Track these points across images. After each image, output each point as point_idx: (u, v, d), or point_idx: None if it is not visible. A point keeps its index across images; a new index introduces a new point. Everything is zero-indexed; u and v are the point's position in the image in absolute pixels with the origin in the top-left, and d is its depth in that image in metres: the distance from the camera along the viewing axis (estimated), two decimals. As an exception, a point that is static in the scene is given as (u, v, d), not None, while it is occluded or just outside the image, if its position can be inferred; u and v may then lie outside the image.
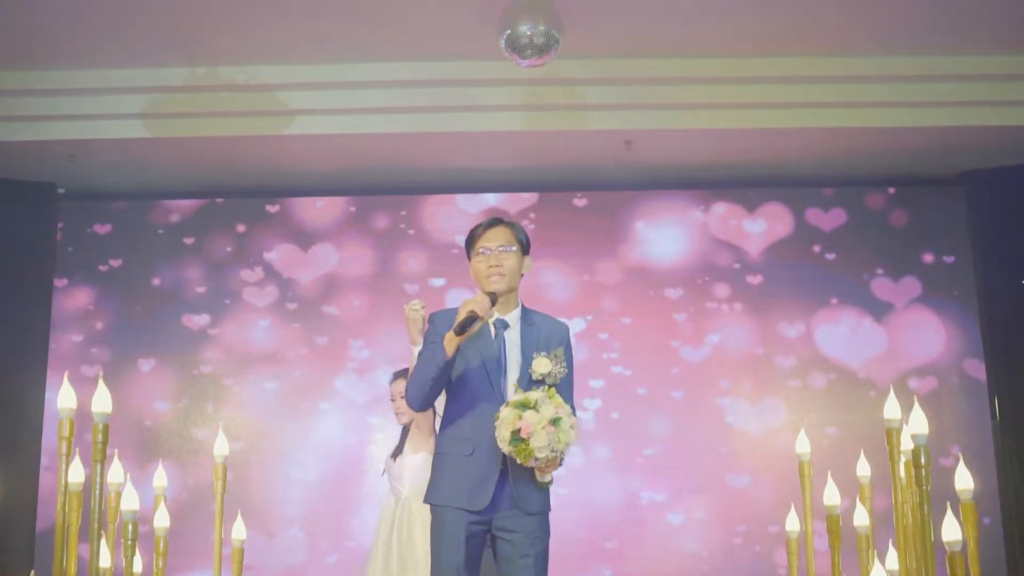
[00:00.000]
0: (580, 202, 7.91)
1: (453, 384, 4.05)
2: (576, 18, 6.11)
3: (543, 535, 3.99)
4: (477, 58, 6.75)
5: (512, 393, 3.97)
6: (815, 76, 6.98)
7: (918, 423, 4.12)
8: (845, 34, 6.68)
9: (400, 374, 5.59)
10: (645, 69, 6.94)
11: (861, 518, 4.83)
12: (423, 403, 4.10)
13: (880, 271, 7.78)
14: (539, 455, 3.81)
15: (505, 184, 7.93)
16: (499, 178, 7.90)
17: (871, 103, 7.08)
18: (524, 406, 3.84)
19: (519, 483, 3.94)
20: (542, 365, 3.98)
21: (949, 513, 4.15)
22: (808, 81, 7.01)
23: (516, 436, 3.80)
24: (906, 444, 4.26)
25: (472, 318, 3.90)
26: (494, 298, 4.00)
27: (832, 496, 4.91)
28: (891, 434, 4.29)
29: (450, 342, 3.93)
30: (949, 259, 7.78)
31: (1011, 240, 7.54)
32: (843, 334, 7.73)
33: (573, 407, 4.03)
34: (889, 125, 7.16)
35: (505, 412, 3.85)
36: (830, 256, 7.82)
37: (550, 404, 3.85)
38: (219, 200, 7.95)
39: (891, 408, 4.32)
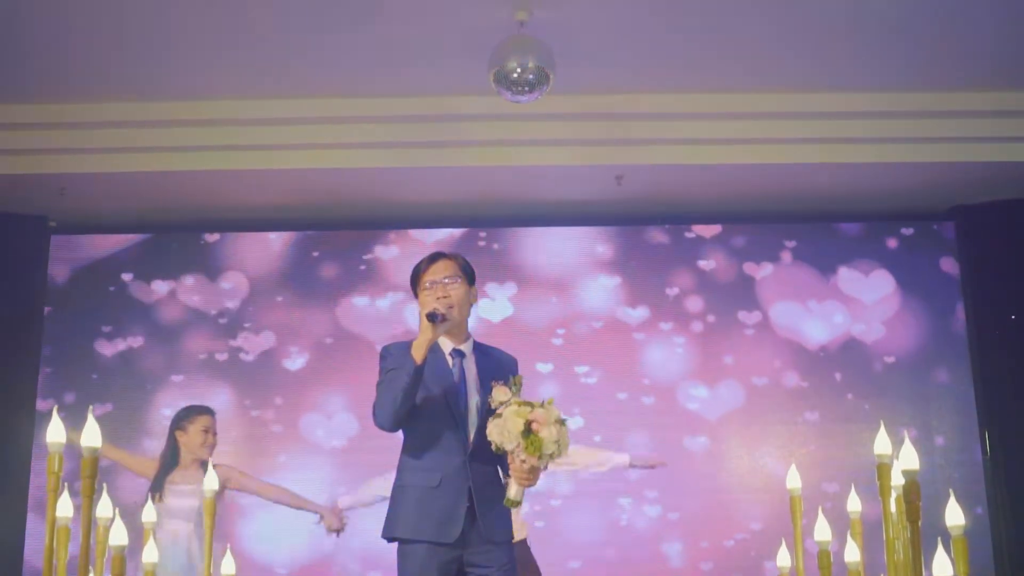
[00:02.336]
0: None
1: (415, 417, 3.97)
2: (567, 54, 6.14)
3: (512, 565, 3.96)
4: (465, 93, 6.78)
5: (474, 421, 3.97)
6: (804, 112, 7.01)
7: (909, 458, 4.11)
8: (835, 69, 6.71)
9: None
10: (636, 104, 6.97)
11: (852, 554, 4.80)
12: (393, 421, 3.94)
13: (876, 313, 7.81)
14: (547, 450, 3.79)
15: (493, 219, 7.93)
16: (481, 212, 7.90)
17: (861, 138, 7.11)
18: (530, 406, 3.84)
19: (486, 514, 3.91)
20: (501, 393, 3.92)
21: (940, 550, 4.13)
22: (798, 117, 7.04)
23: (528, 428, 3.79)
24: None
25: (436, 313, 3.90)
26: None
27: (823, 532, 4.88)
28: (882, 469, 4.27)
29: (418, 349, 3.88)
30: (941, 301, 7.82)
31: (1002, 275, 7.55)
32: (835, 358, 7.75)
33: None
34: (879, 160, 7.19)
35: (509, 409, 3.83)
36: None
37: (554, 407, 3.87)
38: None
39: (882, 444, 4.31)
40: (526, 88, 5.91)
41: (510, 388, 3.93)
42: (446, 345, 4.08)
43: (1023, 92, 6.94)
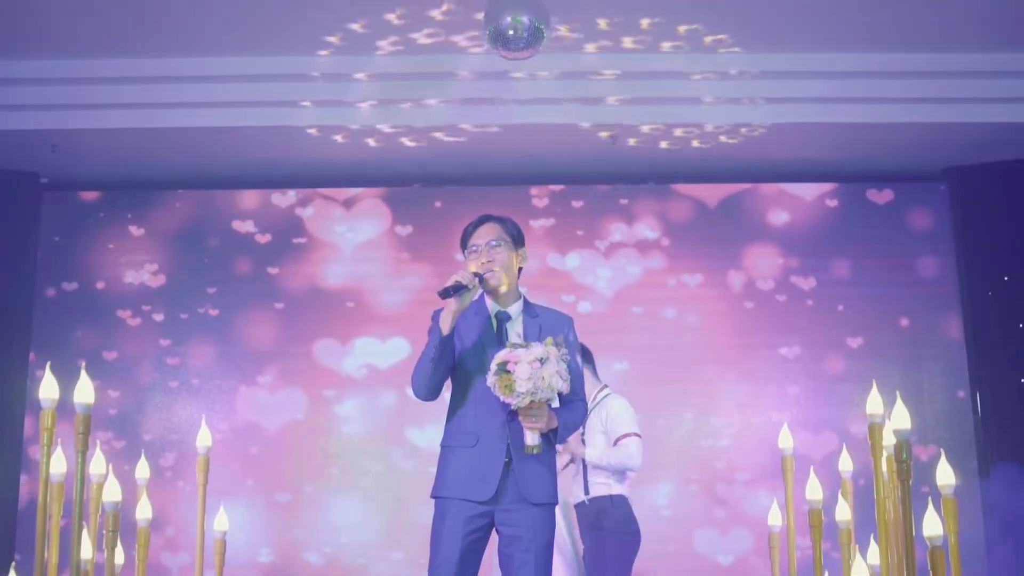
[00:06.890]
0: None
1: (456, 378, 4.02)
2: (560, 12, 6.11)
3: (546, 528, 3.91)
4: (459, 51, 6.76)
5: None
6: (797, 71, 7.00)
7: (900, 418, 4.14)
8: (827, 30, 6.68)
9: None
10: (628, 63, 6.94)
11: (843, 512, 4.85)
12: (427, 390, 3.98)
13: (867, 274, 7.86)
14: (519, 388, 3.72)
15: (491, 177, 7.96)
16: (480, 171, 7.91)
17: (853, 98, 7.09)
18: (520, 346, 3.81)
19: (523, 473, 3.89)
20: (538, 349, 3.85)
21: (931, 508, 4.17)
22: (790, 76, 7.02)
23: (502, 367, 3.76)
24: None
25: (457, 286, 3.87)
26: (480, 277, 3.97)
27: (815, 491, 4.93)
28: (873, 429, 4.30)
29: (444, 320, 3.89)
30: (935, 259, 7.88)
31: (994, 236, 7.59)
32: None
33: (583, 396, 4.07)
34: (872, 121, 7.17)
35: (500, 352, 3.82)
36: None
37: (542, 347, 3.80)
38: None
39: (873, 404, 4.34)
40: (521, 45, 5.89)
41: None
42: (492, 308, 4.07)
43: (1016, 53, 6.93)
